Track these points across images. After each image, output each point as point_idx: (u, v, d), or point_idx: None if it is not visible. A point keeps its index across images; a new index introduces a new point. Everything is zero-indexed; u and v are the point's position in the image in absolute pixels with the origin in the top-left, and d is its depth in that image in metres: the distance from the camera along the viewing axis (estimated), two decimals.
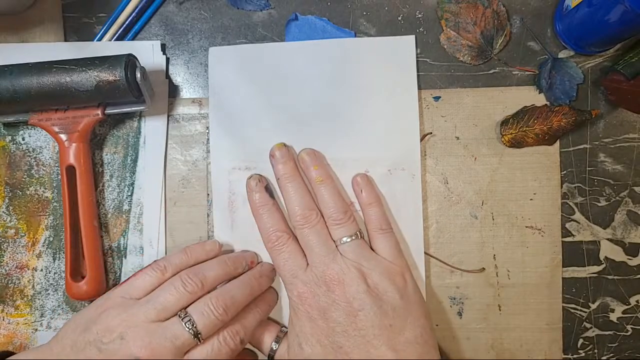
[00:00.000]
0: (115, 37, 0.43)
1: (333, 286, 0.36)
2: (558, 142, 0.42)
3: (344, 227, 0.38)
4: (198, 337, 0.34)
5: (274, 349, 0.38)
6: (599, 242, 0.42)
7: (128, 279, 0.37)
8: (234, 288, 0.37)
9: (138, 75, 0.38)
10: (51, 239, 0.43)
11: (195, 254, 0.39)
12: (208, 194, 0.42)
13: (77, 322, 0.35)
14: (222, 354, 0.35)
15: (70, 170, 0.40)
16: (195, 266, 0.38)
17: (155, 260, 0.38)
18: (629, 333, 0.42)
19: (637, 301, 0.42)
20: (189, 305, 0.35)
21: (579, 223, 0.42)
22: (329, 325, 0.36)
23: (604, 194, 0.42)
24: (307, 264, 0.38)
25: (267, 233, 0.39)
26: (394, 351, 0.34)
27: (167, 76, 0.43)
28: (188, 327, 0.34)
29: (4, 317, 0.42)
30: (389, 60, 0.42)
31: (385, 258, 0.38)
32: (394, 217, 0.41)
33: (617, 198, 0.42)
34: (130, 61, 0.38)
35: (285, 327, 0.40)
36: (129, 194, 0.43)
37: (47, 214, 0.43)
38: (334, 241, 0.38)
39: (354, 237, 0.38)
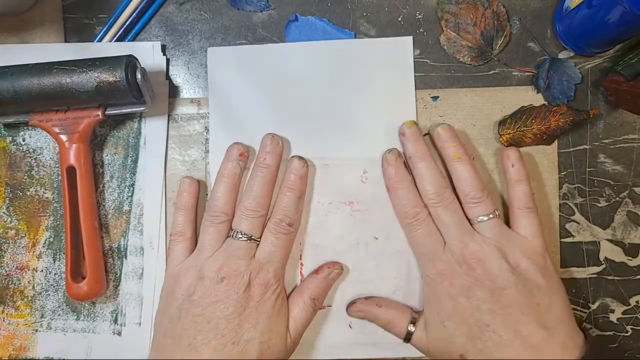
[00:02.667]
0: (115, 38, 0.43)
1: (474, 264, 0.36)
2: (556, 142, 0.42)
3: (481, 205, 0.37)
4: (252, 239, 0.38)
5: (411, 330, 0.38)
6: (599, 242, 0.42)
7: (167, 262, 0.40)
8: (251, 187, 0.39)
9: (138, 76, 0.38)
10: (51, 239, 0.43)
11: (188, 205, 0.40)
12: (207, 194, 0.42)
13: (159, 314, 0.38)
14: (281, 242, 0.38)
15: (71, 171, 0.40)
16: (209, 204, 0.39)
17: (170, 237, 0.40)
18: (628, 334, 0.42)
19: (637, 302, 0.42)
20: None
21: (578, 224, 0.42)
22: (473, 304, 0.35)
23: (604, 195, 0.42)
24: (445, 242, 0.37)
25: (404, 208, 0.38)
26: (545, 329, 0.34)
27: (168, 77, 0.43)
28: (239, 237, 0.38)
29: (4, 318, 0.42)
30: (387, 61, 0.42)
31: (525, 237, 0.37)
32: (393, 218, 0.41)
33: (617, 199, 0.42)
34: (130, 62, 0.38)
35: (416, 309, 0.40)
36: (130, 194, 0.43)
37: (48, 214, 0.43)
38: (470, 219, 0.38)
39: (491, 216, 0.37)
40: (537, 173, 0.42)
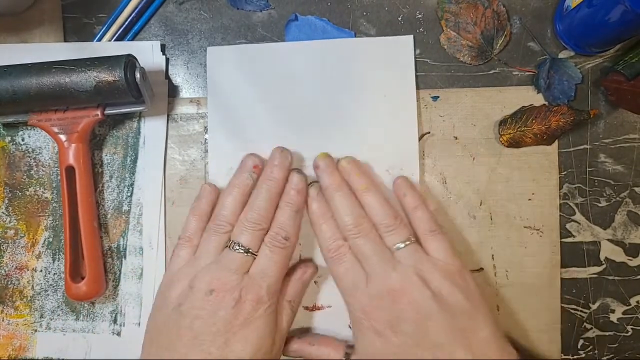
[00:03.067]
0: (114, 38, 0.43)
1: (397, 297, 0.35)
2: (557, 142, 0.42)
3: (396, 232, 0.37)
4: (249, 252, 0.37)
5: None
6: (600, 242, 0.42)
7: (168, 265, 0.39)
8: (255, 199, 0.38)
9: (137, 75, 0.38)
10: (51, 239, 0.43)
11: (203, 212, 0.39)
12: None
13: (150, 319, 0.38)
14: (276, 257, 0.37)
15: (70, 171, 0.40)
16: (215, 212, 0.39)
17: (178, 240, 0.39)
18: (629, 334, 0.42)
19: (637, 302, 0.42)
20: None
21: (579, 224, 0.42)
22: (400, 339, 0.34)
23: (604, 195, 0.42)
24: (367, 275, 0.37)
25: (326, 243, 0.38)
26: (472, 354, 0.33)
27: (167, 77, 0.43)
28: (237, 249, 0.37)
29: (3, 318, 0.42)
30: (387, 60, 0.42)
31: (440, 259, 0.37)
32: None
33: (618, 199, 0.42)
34: (129, 62, 0.38)
35: (350, 342, 0.39)
36: (129, 194, 0.43)
37: (47, 214, 0.43)
38: (388, 248, 0.37)
39: (407, 242, 0.37)
40: (537, 173, 0.42)
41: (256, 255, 0.37)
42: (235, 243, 0.37)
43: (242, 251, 0.37)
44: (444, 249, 0.37)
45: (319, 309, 0.41)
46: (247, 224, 0.37)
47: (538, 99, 0.42)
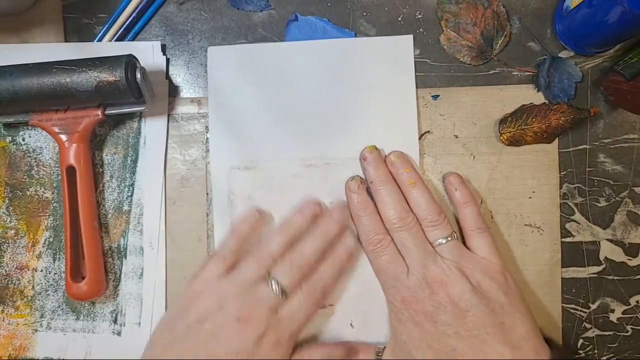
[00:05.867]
0: (115, 38, 0.43)
1: (436, 288, 0.36)
2: (557, 140, 0.42)
3: (439, 228, 0.38)
4: (284, 293, 0.36)
5: (379, 357, 0.38)
6: (599, 242, 0.42)
7: (196, 275, 0.38)
8: (305, 245, 0.38)
9: (138, 75, 0.38)
10: (51, 239, 0.43)
11: (246, 236, 0.39)
12: (207, 194, 0.42)
13: (165, 323, 0.37)
14: (309, 308, 0.37)
15: (71, 171, 0.40)
16: (264, 243, 0.38)
17: (215, 253, 0.39)
18: (628, 333, 0.42)
19: (637, 301, 0.42)
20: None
21: (578, 223, 0.42)
22: (439, 329, 0.35)
23: (604, 195, 0.42)
24: (407, 267, 0.37)
25: (367, 236, 0.39)
26: (511, 348, 0.34)
27: (168, 77, 0.43)
28: (274, 287, 0.36)
29: (4, 318, 0.42)
30: (387, 60, 0.42)
31: (484, 257, 0.38)
32: None
33: (617, 198, 0.42)
34: (130, 62, 0.38)
35: (380, 344, 0.39)
36: (129, 194, 0.43)
37: (47, 214, 0.43)
38: (430, 243, 0.38)
39: (449, 238, 0.38)
40: (537, 171, 0.42)
41: (288, 298, 0.37)
42: (274, 280, 0.37)
43: (279, 290, 0.36)
44: (487, 247, 0.38)
45: (321, 307, 0.41)
46: (292, 267, 0.37)
47: (538, 98, 0.42)
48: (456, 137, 0.42)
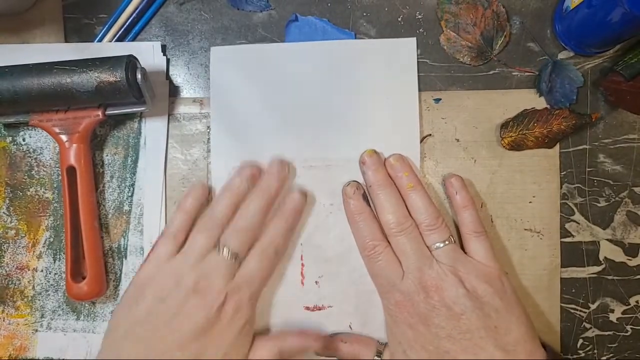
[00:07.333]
0: (115, 38, 0.43)
1: (431, 292, 0.36)
2: (558, 145, 0.42)
3: (437, 232, 0.38)
4: (237, 258, 0.37)
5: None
6: (599, 242, 0.42)
7: (147, 256, 0.38)
8: (249, 206, 0.38)
9: (139, 76, 0.38)
10: (51, 239, 0.43)
11: (192, 210, 0.39)
12: (209, 193, 0.42)
13: (123, 308, 0.37)
14: (264, 268, 0.38)
15: (71, 171, 0.40)
16: (207, 213, 0.39)
17: (163, 233, 0.39)
18: (628, 333, 0.42)
19: (636, 301, 0.42)
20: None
21: (578, 223, 0.42)
22: (432, 331, 0.35)
23: (604, 195, 0.42)
24: (403, 272, 0.37)
25: (363, 241, 0.39)
26: (504, 351, 0.34)
27: (168, 77, 0.43)
28: (225, 253, 0.37)
29: (4, 318, 0.42)
30: (390, 62, 0.42)
31: (480, 261, 0.38)
32: None
33: (617, 199, 0.42)
34: (131, 62, 0.38)
35: (382, 341, 0.40)
36: (130, 194, 0.43)
37: (48, 214, 0.43)
38: (427, 247, 0.38)
39: (447, 242, 0.38)
40: (538, 176, 0.42)
41: (242, 260, 0.37)
42: (224, 247, 0.37)
43: (230, 256, 0.37)
44: (484, 251, 0.38)
45: (320, 309, 0.41)
46: (238, 230, 0.38)
47: (540, 102, 0.42)
48: (457, 140, 0.42)
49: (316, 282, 0.41)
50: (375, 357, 0.38)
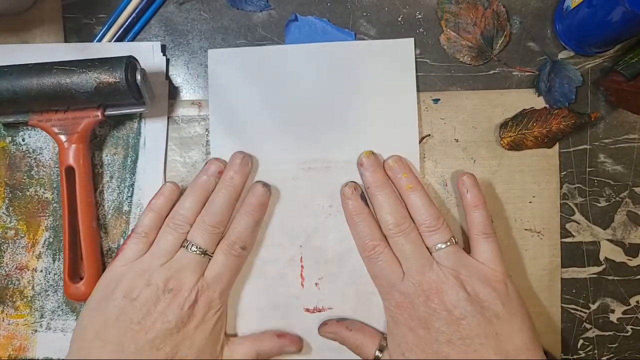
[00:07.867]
0: (115, 38, 0.43)
1: (432, 295, 0.35)
2: (557, 144, 0.42)
3: (438, 233, 0.37)
4: (205, 254, 0.37)
5: (378, 356, 0.38)
6: (599, 242, 0.42)
7: (116, 255, 0.38)
8: (213, 202, 0.39)
9: (138, 77, 0.38)
10: (51, 239, 0.43)
11: (162, 209, 0.39)
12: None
13: (92, 307, 0.36)
14: (231, 264, 0.38)
15: (69, 171, 0.40)
16: (174, 210, 0.39)
17: (132, 232, 0.39)
18: (629, 334, 0.42)
19: (637, 302, 0.42)
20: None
21: (579, 224, 0.42)
22: (432, 335, 0.35)
23: (604, 195, 0.42)
24: (404, 272, 0.37)
25: (362, 242, 0.39)
26: (503, 358, 0.34)
27: (167, 77, 0.43)
28: (193, 250, 0.37)
29: (3, 318, 0.42)
30: (388, 63, 0.42)
31: (485, 263, 0.37)
32: None
33: (617, 199, 0.42)
34: (130, 63, 0.38)
35: (386, 334, 0.39)
36: (129, 195, 0.43)
37: (47, 214, 0.43)
38: (428, 248, 0.37)
39: (449, 243, 0.37)
40: (538, 176, 0.42)
41: (211, 256, 0.38)
42: (192, 244, 0.37)
43: (199, 252, 0.37)
44: (491, 253, 0.37)
45: (320, 310, 0.41)
46: (204, 225, 0.38)
47: (539, 102, 0.42)
48: (457, 141, 0.42)
49: (316, 284, 0.41)
50: (377, 353, 0.38)
